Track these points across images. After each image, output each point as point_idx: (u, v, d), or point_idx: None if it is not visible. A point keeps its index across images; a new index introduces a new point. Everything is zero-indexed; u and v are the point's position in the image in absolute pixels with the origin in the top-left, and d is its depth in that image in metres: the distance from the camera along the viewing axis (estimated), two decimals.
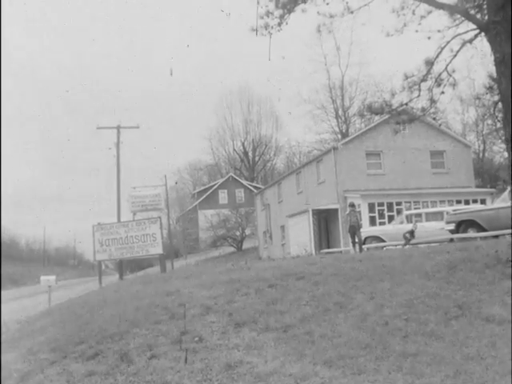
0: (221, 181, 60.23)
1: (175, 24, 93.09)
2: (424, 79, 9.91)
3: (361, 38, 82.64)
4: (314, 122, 56.33)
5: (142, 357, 6.07)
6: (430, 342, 5.58)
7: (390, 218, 24.71)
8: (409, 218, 19.45)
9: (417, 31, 9.52)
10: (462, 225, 15.29)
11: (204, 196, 58.29)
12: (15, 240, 65.01)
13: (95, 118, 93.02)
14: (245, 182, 59.75)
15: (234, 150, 66.71)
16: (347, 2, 9.73)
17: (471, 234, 14.93)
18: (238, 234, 45.37)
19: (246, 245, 45.38)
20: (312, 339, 6.03)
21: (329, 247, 26.70)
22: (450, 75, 9.85)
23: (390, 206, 25.86)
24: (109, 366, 5.90)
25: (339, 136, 49.89)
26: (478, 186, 31.59)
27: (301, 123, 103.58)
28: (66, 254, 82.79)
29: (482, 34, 8.96)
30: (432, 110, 10.61)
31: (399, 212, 24.09)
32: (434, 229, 17.98)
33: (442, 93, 10.13)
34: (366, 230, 20.42)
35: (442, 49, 9.51)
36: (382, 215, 25.70)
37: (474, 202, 25.98)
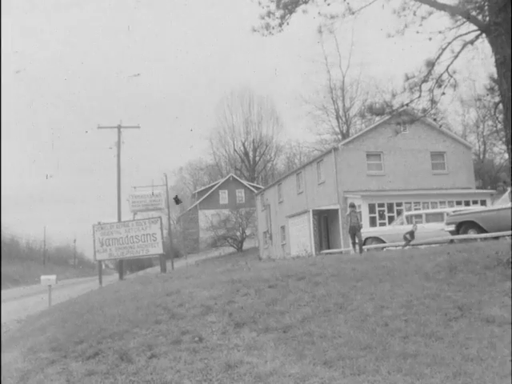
0: (221, 181, 60.24)
1: (176, 24, 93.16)
2: (425, 80, 9.91)
3: (362, 39, 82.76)
4: (314, 122, 56.46)
5: (142, 356, 6.07)
6: (429, 343, 5.59)
7: (391, 219, 24.72)
8: (409, 219, 19.46)
9: (418, 32, 9.51)
10: (463, 226, 15.29)
11: (204, 196, 58.29)
12: (15, 239, 65.02)
13: (96, 118, 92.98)
14: (245, 183, 59.76)
15: (235, 150, 66.77)
16: (348, 3, 9.75)
17: (471, 235, 14.94)
18: (238, 234, 45.37)
19: (246, 245, 45.39)
20: (312, 340, 6.03)
21: (329, 248, 26.71)
22: (451, 76, 9.85)
23: (390, 207, 25.86)
24: (109, 366, 5.91)
25: (340, 137, 49.90)
26: (478, 187, 31.60)
27: (301, 124, 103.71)
28: (67, 253, 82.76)
29: (483, 35, 8.97)
30: (433, 111, 10.62)
31: (399, 213, 24.09)
32: (434, 230, 17.98)
33: (443, 94, 10.14)
34: (366, 230, 20.43)
35: (443, 50, 9.51)
36: (382, 216, 25.70)
37: (475, 203, 25.98)
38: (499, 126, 35.97)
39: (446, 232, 16.00)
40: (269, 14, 9.87)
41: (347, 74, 52.12)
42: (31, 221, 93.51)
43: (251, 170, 65.85)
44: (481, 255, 9.22)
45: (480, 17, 9.22)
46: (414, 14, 9.56)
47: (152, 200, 30.82)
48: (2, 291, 21.45)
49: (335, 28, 10.06)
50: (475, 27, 9.15)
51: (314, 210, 27.36)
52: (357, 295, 7.58)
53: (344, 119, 52.99)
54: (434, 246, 15.40)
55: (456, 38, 9.40)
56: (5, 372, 6.17)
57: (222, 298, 8.18)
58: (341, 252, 21.75)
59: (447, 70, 9.77)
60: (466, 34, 9.34)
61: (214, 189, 58.96)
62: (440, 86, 9.97)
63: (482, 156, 42.89)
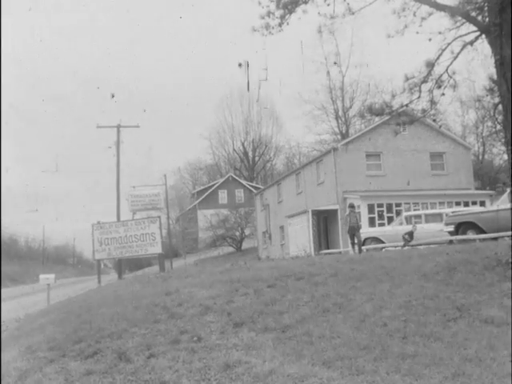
0: (220, 181, 60.24)
1: (176, 23, 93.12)
2: (424, 81, 9.92)
3: (362, 39, 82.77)
4: (314, 122, 56.49)
5: (141, 356, 6.07)
6: (428, 344, 5.58)
7: (390, 220, 24.73)
8: (408, 220, 19.47)
9: (418, 33, 9.52)
10: (462, 226, 15.31)
11: (204, 196, 58.29)
12: (14, 238, 65.00)
13: (95, 117, 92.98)
14: (244, 182, 59.77)
15: (234, 150, 66.79)
16: (348, 3, 9.74)
17: (470, 235, 14.96)
18: (237, 234, 45.38)
19: (245, 245, 45.40)
20: (311, 340, 6.03)
21: (328, 248, 26.72)
22: (451, 77, 9.85)
23: (389, 208, 25.88)
24: (107, 365, 5.90)
25: (339, 137, 49.91)
26: (477, 188, 31.62)
27: (301, 124, 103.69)
28: (66, 252, 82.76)
29: (483, 36, 8.97)
30: (432, 112, 10.62)
31: (398, 213, 24.10)
32: (433, 230, 18.00)
33: (443, 94, 10.14)
34: (366, 231, 20.44)
35: (443, 50, 9.51)
36: (381, 216, 25.72)
37: (474, 203, 26.00)
38: (498, 126, 35.99)
39: (445, 232, 16.02)
40: (269, 13, 9.87)
41: (347, 74, 52.17)
42: (30, 219, 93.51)
43: (250, 169, 65.87)
44: (480, 256, 9.22)
45: (480, 18, 9.22)
46: (414, 15, 9.56)
47: (151, 200, 30.83)
48: (1, 290, 21.43)
49: (335, 28, 10.07)
50: (475, 28, 9.15)
51: (313, 210, 27.37)
52: (356, 295, 7.58)
53: (343, 119, 53.04)
54: (433, 246, 15.41)
55: (456, 38, 9.40)
56: (3, 371, 6.16)
57: (221, 298, 8.17)
58: (340, 252, 21.76)
59: (447, 70, 9.77)
60: (465, 34, 9.35)
61: (213, 188, 58.97)
62: (440, 87, 9.98)
63: (481, 157, 42.92)
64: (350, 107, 52.81)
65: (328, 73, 50.81)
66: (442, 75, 9.86)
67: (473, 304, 6.72)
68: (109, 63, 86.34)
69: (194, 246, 55.41)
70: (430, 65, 9.70)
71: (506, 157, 32.19)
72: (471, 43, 9.28)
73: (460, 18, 9.34)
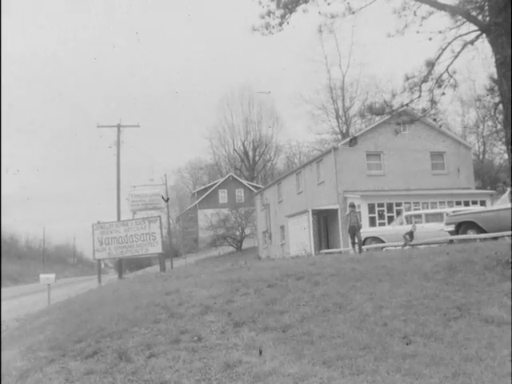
0: (221, 180, 60.25)
1: (176, 23, 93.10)
2: (425, 80, 9.91)
3: (362, 39, 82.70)
4: (314, 122, 56.44)
5: (141, 356, 6.07)
6: (429, 343, 5.58)
7: (390, 219, 24.72)
8: (408, 219, 19.46)
9: (418, 32, 9.51)
10: (462, 226, 15.30)
11: (204, 195, 58.31)
12: (15, 238, 65.04)
13: (96, 117, 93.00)
14: (245, 182, 59.78)
15: (235, 149, 66.79)
16: (348, 3, 9.74)
17: (471, 235, 14.96)
18: (237, 233, 45.39)
19: (245, 244, 45.41)
20: (311, 339, 6.03)
21: (328, 247, 26.71)
22: (451, 76, 9.85)
23: (389, 207, 25.87)
24: (107, 365, 5.90)
25: (339, 136, 49.91)
26: (477, 188, 31.62)
27: (301, 123, 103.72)
28: (66, 252, 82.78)
29: (484, 35, 8.96)
30: (432, 111, 10.61)
31: (399, 213, 24.09)
32: (433, 230, 17.99)
33: (443, 94, 10.13)
34: (366, 230, 20.43)
35: (443, 50, 9.50)
36: (381, 216, 25.71)
37: (474, 203, 25.99)
38: (499, 126, 35.98)
39: (445, 232, 16.01)
40: (269, 13, 9.86)
41: (347, 73, 52.13)
42: (31, 219, 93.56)
43: (251, 169, 65.87)
44: (480, 255, 9.22)
45: (480, 17, 9.21)
46: (415, 14, 9.55)
47: (151, 199, 30.84)
48: (1, 290, 21.43)
49: (335, 27, 10.06)
50: (475, 27, 9.14)
51: (313, 210, 27.36)
52: (356, 295, 7.58)
53: (344, 119, 53.03)
54: (433, 246, 15.41)
55: (456, 38, 9.39)
56: (4, 370, 6.16)
57: (221, 298, 8.17)
58: (340, 252, 21.76)
59: (447, 70, 9.76)
60: (466, 34, 9.34)
61: (213, 188, 58.98)
62: (440, 86, 9.97)
63: (481, 156, 42.91)
64: (351, 107, 52.86)
65: (328, 72, 50.80)
66: (442, 74, 9.85)
67: (473, 303, 6.72)
68: (109, 63, 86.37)
69: (195, 246, 55.43)
70: (431, 64, 9.69)
71: (506, 156, 32.16)
72: (472, 42, 9.27)
73: (460, 18, 9.33)
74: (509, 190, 14.70)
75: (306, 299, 7.62)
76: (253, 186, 57.55)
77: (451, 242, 15.79)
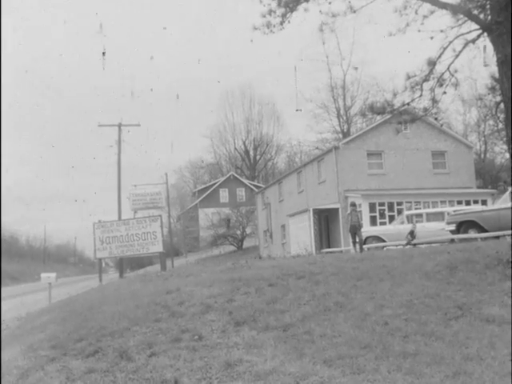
0: (222, 179, 60.25)
1: (177, 22, 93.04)
2: (426, 79, 9.90)
3: (363, 38, 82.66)
4: (315, 121, 56.36)
5: (142, 354, 6.07)
6: (429, 342, 5.58)
7: (391, 218, 24.70)
8: (409, 219, 19.44)
9: (419, 31, 9.50)
10: (463, 225, 15.29)
11: (205, 194, 58.31)
12: (15, 237, 65.13)
13: (96, 116, 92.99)
14: (246, 181, 59.78)
15: (235, 148, 66.77)
16: (350, 1, 9.73)
17: (472, 234, 14.94)
18: (238, 232, 45.38)
19: (246, 244, 45.39)
20: (312, 338, 6.03)
21: (329, 247, 26.70)
22: (452, 75, 9.84)
23: (390, 206, 25.85)
24: (108, 364, 5.90)
25: (340, 135, 49.87)
26: (479, 187, 31.57)
27: (302, 122, 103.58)
28: (67, 251, 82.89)
29: (485, 34, 8.95)
30: (434, 111, 10.61)
31: (400, 212, 24.08)
32: (434, 229, 17.98)
33: (444, 93, 10.13)
34: (367, 229, 20.42)
35: (445, 49, 9.49)
36: (382, 215, 25.69)
37: (475, 202, 25.96)
38: (500, 125, 35.94)
39: (446, 231, 16.00)
40: (270, 12, 9.86)
41: (348, 72, 52.07)
42: (32, 218, 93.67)
43: (252, 168, 65.87)
44: (481, 255, 9.21)
45: (482, 16, 9.20)
46: (416, 13, 9.55)
47: (152, 198, 30.84)
48: (2, 289, 21.46)
49: (336, 26, 10.05)
50: (477, 26, 9.13)
51: (314, 209, 27.35)
52: (357, 294, 7.57)
53: (345, 118, 52.98)
54: (434, 245, 15.40)
55: (457, 36, 9.39)
56: (4, 369, 6.17)
57: (222, 297, 8.17)
58: (341, 251, 21.75)
59: (448, 69, 9.76)
60: (467, 32, 9.33)
61: (214, 187, 58.99)
62: (441, 85, 9.96)
63: (482, 155, 42.86)
64: (352, 106, 52.78)
65: (329, 71, 50.77)
66: (443, 73, 9.84)
67: (474, 303, 6.72)
68: (109, 62, 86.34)
69: (195, 245, 55.45)
70: (432, 63, 9.68)
71: (507, 155, 32.17)
72: (473, 41, 9.27)
73: (462, 16, 9.32)
74: (510, 189, 14.69)
75: (307, 298, 7.61)
76: (254, 185, 57.55)
77: (452, 241, 15.78)
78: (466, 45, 9.31)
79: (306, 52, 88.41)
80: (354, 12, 9.81)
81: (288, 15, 9.87)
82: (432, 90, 10.02)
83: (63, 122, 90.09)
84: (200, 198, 58.04)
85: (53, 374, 5.83)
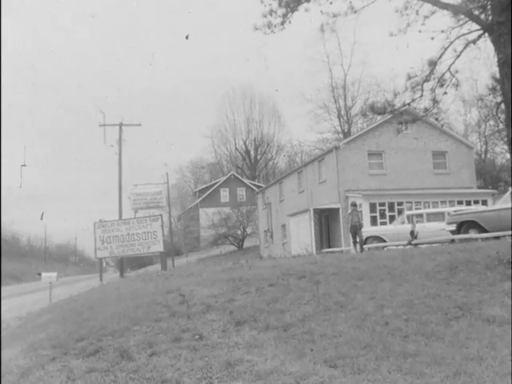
0: (222, 179, 60.25)
1: (177, 22, 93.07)
2: (427, 79, 9.90)
3: (364, 38, 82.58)
4: (316, 121, 56.39)
5: (143, 354, 6.08)
6: (430, 343, 5.59)
7: (391, 218, 24.70)
8: (410, 219, 19.44)
9: (420, 31, 9.50)
10: (464, 226, 15.29)
11: (205, 194, 58.32)
12: (16, 236, 65.18)
13: (97, 116, 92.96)
14: (246, 181, 59.77)
15: (236, 148, 66.78)
16: (350, 2, 9.73)
17: (472, 234, 14.95)
18: (239, 232, 45.37)
19: (247, 243, 45.39)
20: (312, 338, 6.03)
21: (330, 247, 26.70)
22: (453, 76, 9.84)
23: (391, 206, 25.84)
24: (109, 363, 5.91)
25: (341, 135, 49.87)
26: (479, 187, 31.56)
27: (303, 122, 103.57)
28: (67, 250, 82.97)
29: (486, 34, 8.95)
30: (434, 111, 10.61)
31: (400, 212, 24.07)
32: (435, 229, 17.97)
33: (445, 93, 10.14)
34: (367, 229, 20.42)
35: (446, 49, 9.50)
36: (383, 215, 25.69)
37: (476, 202, 25.95)
38: (501, 125, 35.93)
39: (446, 231, 16.00)
40: (271, 12, 9.86)
41: (349, 72, 52.10)
42: (32, 217, 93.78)
43: (252, 168, 65.85)
44: (481, 255, 9.22)
45: (483, 16, 9.20)
46: (417, 13, 9.55)
47: (153, 198, 30.84)
48: (3, 288, 21.48)
49: (337, 27, 10.06)
50: (478, 26, 9.13)
51: (314, 209, 27.35)
52: (357, 294, 7.58)
53: (345, 118, 52.97)
54: (434, 245, 15.40)
55: (458, 37, 9.39)
56: (5, 369, 6.18)
57: (223, 296, 8.18)
58: (341, 251, 21.76)
59: (449, 69, 9.76)
60: (468, 33, 9.33)
61: (215, 187, 58.99)
62: (442, 86, 9.97)
63: (483, 156, 42.84)
64: (352, 106, 52.78)
65: (330, 71, 50.76)
66: (444, 74, 9.84)
67: (474, 303, 6.72)
68: (110, 62, 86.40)
69: (196, 245, 55.47)
70: (433, 63, 9.69)
71: (508, 156, 32.18)
72: (474, 42, 9.27)
73: (463, 17, 9.32)
74: (510, 189, 14.69)
75: (308, 298, 7.62)
76: (254, 184, 57.54)
77: (453, 241, 15.78)
78: (466, 45, 9.31)
79: (307, 52, 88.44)
80: (355, 12, 9.82)
81: (289, 15, 9.88)
82: (433, 90, 10.02)
83: (63, 122, 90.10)
84: (201, 198, 58.04)
85: (53, 374, 5.83)
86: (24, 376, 5.91)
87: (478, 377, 4.64)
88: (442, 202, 26.14)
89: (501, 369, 4.77)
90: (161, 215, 22.36)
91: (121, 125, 31.69)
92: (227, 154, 68.08)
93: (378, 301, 7.16)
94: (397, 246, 17.83)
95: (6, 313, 12.00)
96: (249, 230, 45.50)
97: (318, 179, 29.45)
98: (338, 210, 26.92)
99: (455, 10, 9.26)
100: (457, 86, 10.01)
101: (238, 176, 60.55)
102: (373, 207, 25.67)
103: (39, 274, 17.67)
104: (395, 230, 19.37)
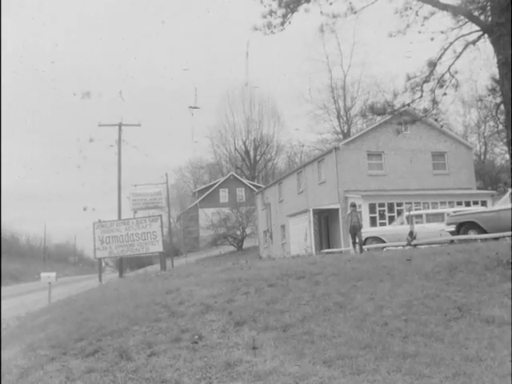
0: (222, 179, 60.23)
1: (177, 21, 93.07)
2: (426, 80, 9.91)
3: (363, 39, 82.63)
4: (315, 121, 56.42)
5: (142, 354, 6.08)
6: (429, 343, 5.59)
7: (391, 219, 24.71)
8: (409, 219, 19.45)
9: (420, 32, 9.51)
10: (463, 226, 15.30)
11: (205, 194, 58.29)
12: (15, 236, 65.14)
13: (97, 115, 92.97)
14: (246, 181, 59.76)
15: (236, 148, 66.74)
16: (350, 2, 9.74)
17: (472, 235, 14.95)
18: (238, 232, 45.35)
19: (246, 244, 45.37)
20: (311, 339, 6.04)
21: (329, 247, 26.70)
22: (453, 76, 9.84)
23: (390, 207, 25.85)
24: (108, 363, 5.91)
25: (341, 136, 49.88)
26: (479, 188, 31.58)
27: (302, 123, 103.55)
28: (67, 251, 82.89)
29: (486, 35, 8.96)
30: (434, 112, 10.61)
31: (400, 213, 24.08)
32: (434, 230, 17.98)
33: (445, 94, 10.14)
34: (367, 230, 20.42)
35: (445, 50, 9.50)
36: (382, 216, 25.69)
37: (475, 203, 25.96)
38: (500, 126, 35.96)
39: (446, 232, 16.00)
40: (271, 12, 9.86)
41: (349, 73, 52.11)
42: (32, 217, 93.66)
43: (252, 168, 65.84)
44: (481, 256, 9.22)
45: (482, 17, 9.20)
46: (417, 14, 9.55)
47: (152, 198, 30.81)
48: (2, 288, 21.46)
49: (337, 27, 10.06)
50: (477, 27, 9.13)
51: (314, 210, 27.35)
52: (357, 295, 7.58)
53: (345, 119, 52.99)
54: (434, 246, 15.40)
55: (458, 38, 9.39)
56: (4, 369, 6.18)
57: (222, 297, 8.18)
58: (341, 251, 21.75)
59: (449, 70, 9.76)
60: (468, 34, 9.34)
61: (214, 187, 58.97)
62: (442, 87, 9.97)
63: (482, 156, 42.86)
64: (352, 106, 52.80)
65: (330, 71, 50.79)
66: (444, 75, 9.85)
67: (474, 304, 6.72)
68: (110, 62, 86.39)
69: (195, 245, 55.45)
70: (432, 64, 9.69)
71: (507, 157, 32.19)
72: (473, 43, 9.27)
73: (462, 18, 9.33)
74: (510, 190, 14.70)
75: (307, 299, 7.62)
76: (254, 185, 57.53)
77: (452, 242, 15.78)
78: (466, 46, 9.31)
79: (307, 52, 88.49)
80: (355, 13, 9.82)
81: (289, 16, 9.88)
82: (432, 91, 10.03)
83: (63, 122, 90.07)
84: (200, 198, 58.01)
85: (53, 374, 5.83)
86: (23, 376, 5.91)
87: (477, 377, 4.65)
88: (441, 202, 26.15)
89: (500, 369, 4.77)
90: (160, 215, 22.35)
91: (120, 125, 31.65)
92: (226, 155, 68.13)
93: (377, 301, 7.16)
94: (396, 246, 17.83)
95: (5, 313, 12.00)
96: (248, 231, 45.48)
97: (317, 180, 29.45)
98: (337, 210, 26.92)
99: (455, 11, 9.27)
100: (456, 86, 10.01)
101: (238, 176, 60.54)
102: (372, 208, 25.68)
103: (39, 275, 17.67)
104: (394, 230, 19.37)
